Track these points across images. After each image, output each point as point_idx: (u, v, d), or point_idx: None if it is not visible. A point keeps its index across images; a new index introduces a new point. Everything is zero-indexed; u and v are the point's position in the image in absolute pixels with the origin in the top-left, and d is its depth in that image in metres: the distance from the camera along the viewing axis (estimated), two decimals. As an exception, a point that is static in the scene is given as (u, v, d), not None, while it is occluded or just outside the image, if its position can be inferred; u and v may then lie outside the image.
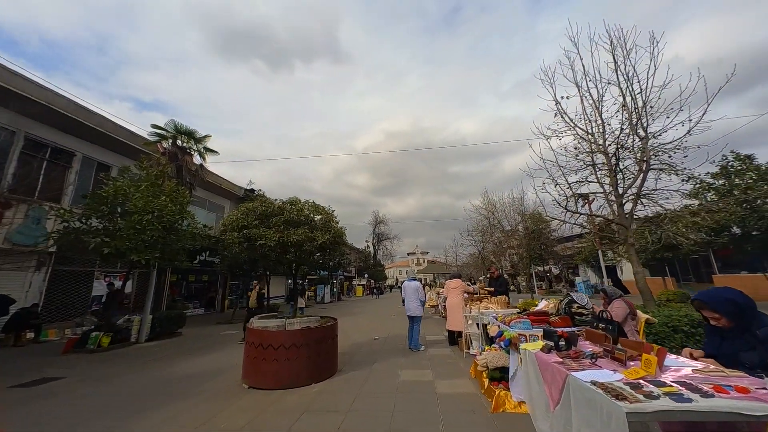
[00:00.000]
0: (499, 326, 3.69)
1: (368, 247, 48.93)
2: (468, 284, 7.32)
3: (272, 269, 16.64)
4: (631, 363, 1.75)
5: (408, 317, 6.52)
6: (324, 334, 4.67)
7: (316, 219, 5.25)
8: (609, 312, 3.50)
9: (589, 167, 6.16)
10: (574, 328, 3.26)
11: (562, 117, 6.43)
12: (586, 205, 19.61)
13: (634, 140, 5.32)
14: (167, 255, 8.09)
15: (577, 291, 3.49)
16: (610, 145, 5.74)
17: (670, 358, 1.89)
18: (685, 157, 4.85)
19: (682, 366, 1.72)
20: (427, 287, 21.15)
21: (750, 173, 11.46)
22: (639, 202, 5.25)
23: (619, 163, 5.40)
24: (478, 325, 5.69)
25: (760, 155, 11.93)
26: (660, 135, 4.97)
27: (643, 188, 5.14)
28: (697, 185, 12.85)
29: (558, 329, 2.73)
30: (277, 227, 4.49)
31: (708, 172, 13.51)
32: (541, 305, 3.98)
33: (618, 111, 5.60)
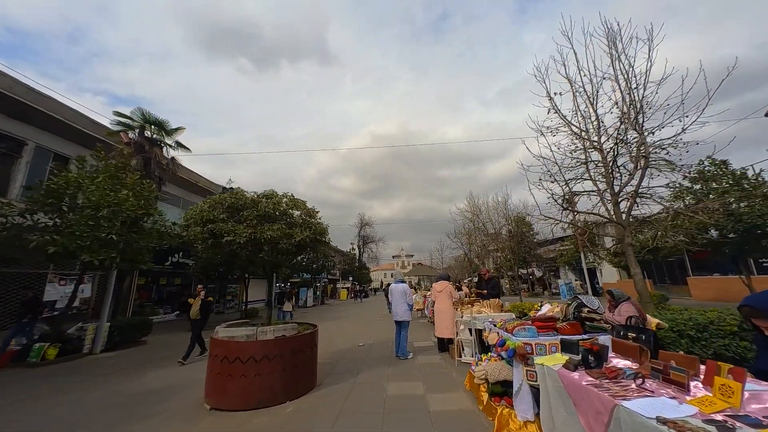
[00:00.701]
0: (499, 333, 3.28)
1: (353, 249, 48.28)
2: (455, 286, 6.92)
3: (248, 271, 15.81)
4: (693, 386, 1.36)
5: (395, 322, 6.05)
6: (301, 343, 4.12)
7: (295, 214, 4.71)
8: (614, 317, 3.19)
9: (584, 165, 5.94)
10: (584, 335, 2.90)
11: (556, 113, 6.21)
12: (575, 205, 19.97)
13: (630, 136, 5.13)
14: (128, 255, 7.25)
15: (585, 294, 3.08)
16: (605, 141, 5.54)
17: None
18: (686, 152, 4.67)
19: (758, 391, 1.34)
20: (412, 290, 20.86)
21: (726, 178, 11.78)
22: (636, 200, 5.05)
23: (617, 159, 5.20)
24: (470, 330, 5.31)
25: (733, 161, 12.36)
26: (658, 130, 4.79)
27: (640, 186, 4.94)
28: (675, 189, 13.20)
29: (574, 337, 2.34)
30: (248, 222, 3.92)
31: (685, 176, 13.71)
32: (545, 309, 3.62)
33: (614, 106, 5.41)
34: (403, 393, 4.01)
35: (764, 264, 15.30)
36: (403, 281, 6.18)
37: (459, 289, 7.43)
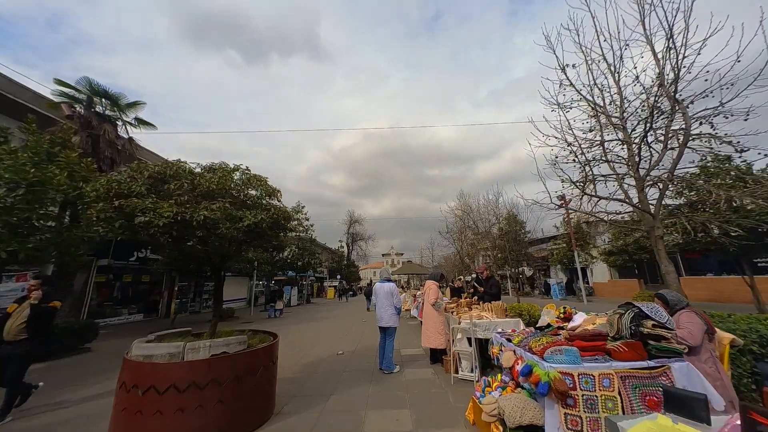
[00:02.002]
0: (519, 354, 2.34)
1: (342, 247, 47.13)
2: (440, 287, 5.89)
3: (195, 265, 14.56)
4: None
5: (379, 329, 5.07)
6: (250, 362, 3.08)
7: (252, 194, 3.64)
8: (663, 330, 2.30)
9: (599, 146, 5.09)
10: (651, 362, 1.97)
11: (570, 85, 5.33)
12: (564, 204, 19.40)
13: (663, 105, 4.27)
14: (58, 247, 6.00)
15: (653, 303, 2.10)
16: (630, 116, 4.70)
17: None
18: (745, 120, 3.82)
19: None
20: (401, 290, 19.86)
21: (731, 173, 11.21)
22: (670, 184, 4.22)
23: (647, 135, 4.34)
24: (470, 340, 4.38)
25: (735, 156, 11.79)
26: (700, 98, 3.95)
27: (676, 167, 4.09)
28: (716, 168, 12.68)
29: (628, 363, 1.39)
30: (177, 198, 2.84)
31: (687, 172, 13.11)
32: (578, 319, 2.68)
33: (642, 73, 4.56)
34: (386, 429, 3.02)
35: (759, 264, 15.05)
36: (389, 280, 5.19)
37: (458, 288, 6.51)
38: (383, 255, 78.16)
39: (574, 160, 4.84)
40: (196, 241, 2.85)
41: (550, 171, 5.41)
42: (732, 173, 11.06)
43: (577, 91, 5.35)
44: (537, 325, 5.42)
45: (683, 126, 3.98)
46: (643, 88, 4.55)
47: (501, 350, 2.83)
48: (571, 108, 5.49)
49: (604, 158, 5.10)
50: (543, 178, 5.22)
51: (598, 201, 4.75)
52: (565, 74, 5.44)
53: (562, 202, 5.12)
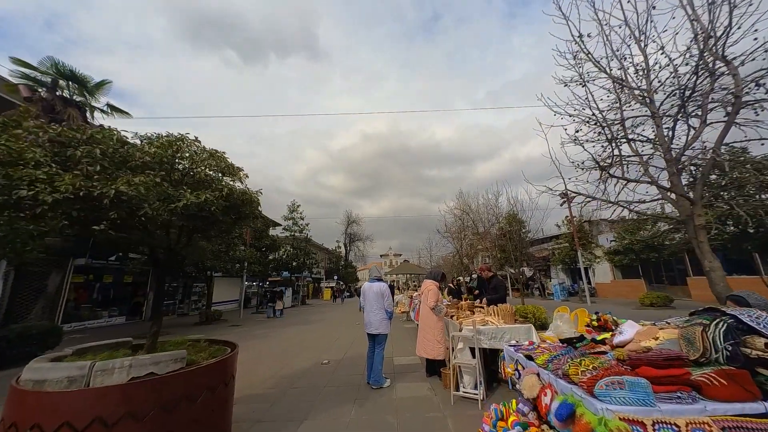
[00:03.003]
0: (541, 377, 1.63)
1: (339, 247, 46.40)
2: (441, 288, 5.13)
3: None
4: None
5: (368, 335, 4.36)
6: (189, 386, 2.35)
7: (203, 172, 2.92)
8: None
9: (621, 124, 4.39)
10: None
11: (587, 55, 4.64)
12: (566, 202, 18.67)
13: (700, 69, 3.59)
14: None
15: (751, 308, 1.33)
16: (657, 89, 4.00)
17: None
18: None
19: None
20: (397, 291, 19.04)
21: (747, 166, 10.49)
22: (715, 163, 3.52)
23: (686, 105, 3.64)
24: (473, 350, 3.67)
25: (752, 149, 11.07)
26: (750, 61, 3.28)
27: (722, 142, 3.40)
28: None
29: (731, 404, 0.70)
30: (85, 168, 2.12)
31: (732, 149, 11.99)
32: (628, 332, 1.95)
33: (673, 37, 3.88)
34: (366, 472, 2.30)
35: (772, 263, 14.38)
36: (380, 279, 4.47)
37: (457, 289, 5.82)
38: (381, 256, 77.40)
39: (599, 134, 4.12)
40: (107, 225, 2.12)
41: (561, 158, 4.73)
42: (748, 166, 10.33)
43: (594, 62, 4.66)
44: (549, 332, 4.74)
45: (732, 91, 3.28)
46: (679, 51, 3.85)
47: (518, 371, 2.12)
48: (586, 83, 4.80)
49: (625, 138, 4.41)
50: (555, 161, 4.52)
51: (625, 185, 4.04)
52: (581, 46, 4.74)
53: (573, 194, 4.41)
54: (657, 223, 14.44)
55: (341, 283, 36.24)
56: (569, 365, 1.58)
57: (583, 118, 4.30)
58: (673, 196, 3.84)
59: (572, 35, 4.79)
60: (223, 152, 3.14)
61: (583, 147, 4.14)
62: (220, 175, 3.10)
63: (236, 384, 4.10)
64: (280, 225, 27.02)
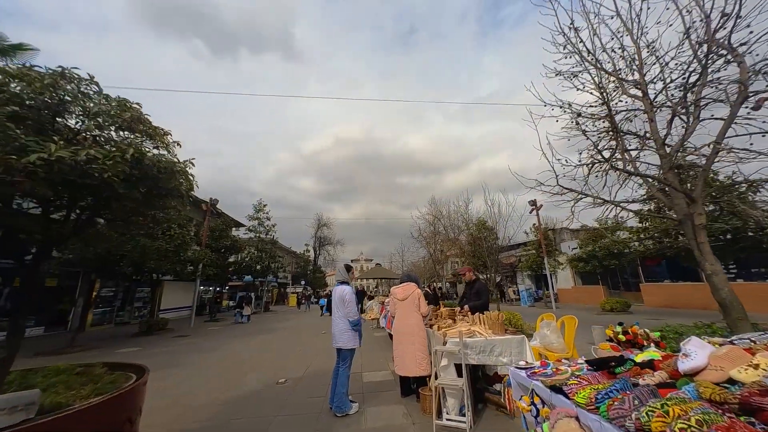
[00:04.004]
0: (583, 423, 1.05)
1: (308, 251, 44.63)
2: (426, 289, 4.54)
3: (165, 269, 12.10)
4: None
5: (336, 350, 3.62)
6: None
7: (102, 128, 2.05)
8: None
9: (609, 119, 4.13)
10: None
11: (574, 49, 4.37)
12: (534, 210, 19.21)
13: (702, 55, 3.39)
14: None
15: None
16: (651, 82, 3.78)
17: None
18: None
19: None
20: (367, 298, 18.19)
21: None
22: (717, 155, 3.29)
23: (688, 94, 3.40)
24: (459, 368, 3.09)
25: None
26: (757, 44, 3.09)
27: (724, 135, 3.17)
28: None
29: None
30: None
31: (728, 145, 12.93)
32: (700, 354, 1.43)
33: (667, 28, 3.69)
34: None
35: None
36: (345, 282, 3.76)
37: (433, 293, 5.22)
38: (352, 261, 76.02)
39: (605, 117, 3.78)
40: None
41: (532, 168, 4.38)
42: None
43: (580, 56, 4.38)
44: (534, 342, 4.30)
45: (737, 80, 3.06)
46: (677, 39, 3.63)
47: (535, 406, 1.54)
48: (575, 76, 4.52)
49: (613, 135, 4.14)
50: (551, 149, 4.13)
51: (625, 181, 3.72)
52: (567, 37, 4.46)
53: (566, 190, 4.05)
54: (616, 231, 15.19)
55: (308, 288, 34.55)
56: (649, 416, 1.02)
57: (576, 109, 3.97)
58: (666, 194, 3.59)
59: (559, 27, 4.52)
60: (133, 104, 2.30)
61: (585, 134, 3.79)
62: (135, 137, 2.25)
63: (161, 417, 3.16)
64: (244, 225, 25.18)
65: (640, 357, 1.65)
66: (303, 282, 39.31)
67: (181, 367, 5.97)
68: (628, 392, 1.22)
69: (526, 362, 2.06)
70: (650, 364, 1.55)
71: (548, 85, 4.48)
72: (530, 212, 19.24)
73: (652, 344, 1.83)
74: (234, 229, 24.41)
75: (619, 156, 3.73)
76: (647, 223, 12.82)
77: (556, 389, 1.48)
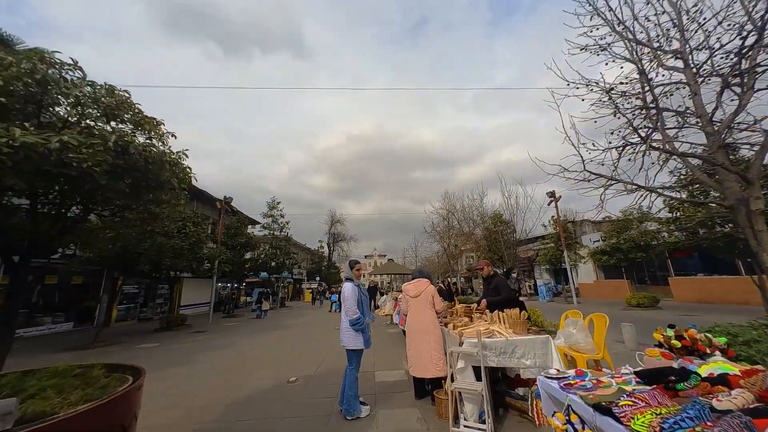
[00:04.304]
0: None
1: (322, 247, 45.02)
2: (440, 285, 4.25)
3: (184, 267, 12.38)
4: None
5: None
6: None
7: (83, 115, 1.91)
8: None
9: (642, 98, 3.69)
10: None
11: (601, 16, 3.93)
12: (553, 201, 18.40)
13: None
14: None
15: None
16: (699, 45, 3.34)
17: None
18: None
19: None
20: (380, 294, 17.99)
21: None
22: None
23: (744, 60, 2.95)
24: (477, 371, 2.83)
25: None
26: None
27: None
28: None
29: None
30: None
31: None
32: None
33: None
34: None
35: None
36: (349, 279, 3.57)
37: (447, 289, 4.91)
38: (366, 257, 76.35)
39: (636, 95, 3.37)
40: None
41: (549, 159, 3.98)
42: None
43: (611, 27, 3.95)
44: (559, 341, 3.98)
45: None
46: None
47: (571, 425, 1.28)
48: (604, 50, 4.08)
49: (644, 113, 3.70)
50: (576, 132, 3.75)
51: (665, 162, 3.32)
52: (595, 6, 4.03)
53: (594, 175, 3.67)
54: (643, 222, 14.30)
55: (323, 284, 34.86)
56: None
57: (607, 86, 3.56)
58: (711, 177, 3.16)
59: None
60: (126, 92, 2.14)
61: (618, 110, 3.39)
62: (122, 126, 2.10)
63: (164, 418, 3.08)
64: (259, 223, 25.55)
65: (704, 369, 1.34)
66: (318, 278, 39.74)
67: (193, 364, 6.00)
68: (709, 423, 0.93)
69: (558, 370, 1.78)
70: (724, 380, 1.24)
71: (572, 62, 4.07)
72: (548, 204, 18.47)
73: (717, 352, 1.52)
74: (250, 226, 24.83)
75: (659, 135, 3.30)
76: (678, 213, 12.00)
77: (603, 410, 1.20)
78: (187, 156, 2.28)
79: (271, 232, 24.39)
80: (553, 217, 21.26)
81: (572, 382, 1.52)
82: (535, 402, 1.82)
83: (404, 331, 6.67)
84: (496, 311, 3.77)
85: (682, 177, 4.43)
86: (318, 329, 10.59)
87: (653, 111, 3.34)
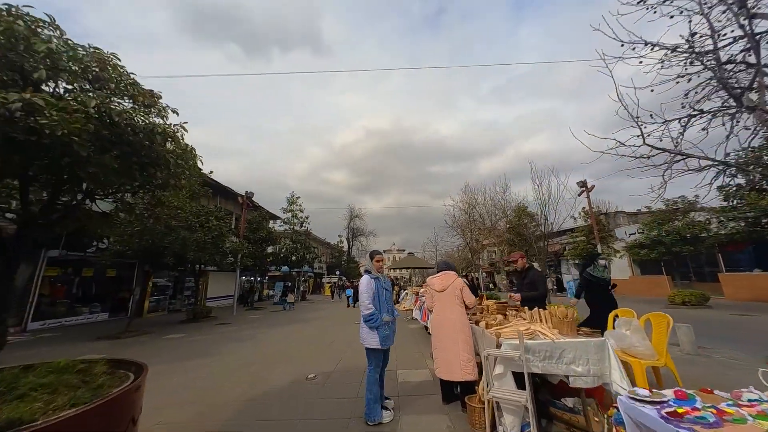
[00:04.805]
0: None
1: (341, 242, 45.36)
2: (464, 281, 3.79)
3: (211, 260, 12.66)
4: None
5: (365, 349, 3.16)
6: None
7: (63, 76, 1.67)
8: None
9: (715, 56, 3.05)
10: None
11: None
12: (584, 192, 17.15)
13: None
14: None
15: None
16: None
17: None
18: None
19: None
20: (397, 288, 17.41)
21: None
22: None
23: None
24: (516, 377, 2.43)
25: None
26: None
27: None
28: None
29: None
30: None
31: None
32: None
33: None
34: None
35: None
36: (368, 271, 3.26)
37: (472, 284, 4.43)
38: (384, 251, 76.24)
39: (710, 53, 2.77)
40: None
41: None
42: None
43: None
44: (610, 343, 3.46)
45: None
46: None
47: None
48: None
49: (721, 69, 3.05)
50: (625, 105, 3.19)
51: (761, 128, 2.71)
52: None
53: (657, 150, 3.10)
54: (689, 212, 12.96)
55: (343, 278, 35.09)
56: None
57: (683, 39, 2.96)
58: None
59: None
60: (115, 55, 1.89)
61: (701, 62, 2.80)
62: (122, 102, 1.86)
63: (181, 414, 2.91)
64: (280, 218, 25.95)
65: None
66: (338, 272, 40.11)
67: (215, 355, 5.97)
68: None
69: (651, 391, 1.35)
70: None
71: (624, 23, 3.47)
72: (578, 195, 17.23)
73: None
74: (271, 221, 25.27)
75: (754, 97, 2.67)
76: (735, 201, 10.62)
77: None
78: (185, 129, 2.03)
79: (291, 226, 24.68)
80: (584, 208, 19.90)
81: (679, 410, 1.09)
82: (614, 429, 1.41)
83: (426, 327, 6.25)
84: (536, 308, 3.33)
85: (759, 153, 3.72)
86: (337, 323, 10.47)
87: (742, 66, 2.72)
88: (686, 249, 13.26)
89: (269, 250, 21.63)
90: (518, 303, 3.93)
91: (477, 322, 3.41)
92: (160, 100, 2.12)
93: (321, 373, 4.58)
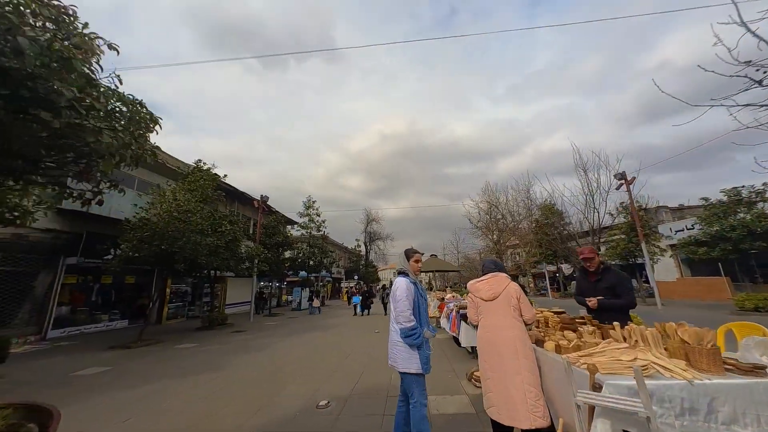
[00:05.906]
0: None
1: (359, 246, 44.84)
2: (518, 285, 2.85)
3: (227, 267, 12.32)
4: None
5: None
6: None
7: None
8: None
9: None
10: None
11: None
12: (624, 184, 15.46)
13: None
14: None
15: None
16: None
17: None
18: None
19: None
20: (429, 293, 16.54)
21: None
22: None
23: None
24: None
25: None
26: None
27: None
28: None
29: None
30: None
31: None
32: None
33: None
34: None
35: None
36: (403, 273, 2.44)
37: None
38: (403, 255, 75.03)
39: None
40: None
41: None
42: None
43: None
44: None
45: None
46: None
47: None
48: None
49: None
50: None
51: None
52: None
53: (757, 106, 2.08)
54: (757, 204, 11.20)
55: (361, 283, 34.33)
56: None
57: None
58: None
59: None
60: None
61: None
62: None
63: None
64: (297, 223, 25.69)
65: None
66: (356, 277, 39.52)
67: (222, 370, 5.36)
68: None
69: None
70: None
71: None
72: (617, 188, 15.54)
73: None
74: (288, 226, 25.04)
75: None
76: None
77: None
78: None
79: (308, 231, 24.33)
80: (622, 203, 18.12)
81: None
82: None
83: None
84: (616, 323, 2.40)
85: None
86: (353, 332, 9.70)
87: None
88: (760, 245, 11.43)
89: (287, 254, 21.31)
90: (590, 315, 2.98)
91: (537, 341, 2.51)
92: (71, 17, 1.43)
93: (335, 398, 3.78)
